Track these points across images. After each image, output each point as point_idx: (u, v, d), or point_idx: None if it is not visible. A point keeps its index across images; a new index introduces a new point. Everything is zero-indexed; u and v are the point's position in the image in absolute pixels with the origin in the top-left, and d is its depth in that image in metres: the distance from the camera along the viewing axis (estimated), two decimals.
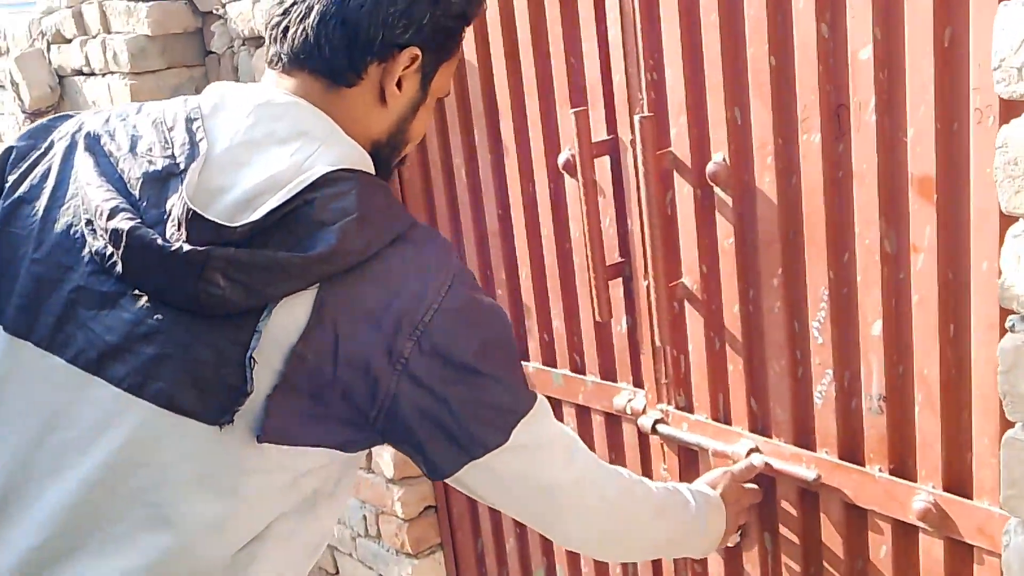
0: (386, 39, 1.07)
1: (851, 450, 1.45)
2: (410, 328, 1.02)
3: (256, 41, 2.15)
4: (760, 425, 1.57)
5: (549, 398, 1.93)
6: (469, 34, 1.82)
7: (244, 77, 2.22)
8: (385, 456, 2.24)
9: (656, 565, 1.83)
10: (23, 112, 2.57)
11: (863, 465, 1.42)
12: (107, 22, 2.31)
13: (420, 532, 2.30)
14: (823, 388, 1.44)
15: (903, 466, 1.39)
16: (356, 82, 1.09)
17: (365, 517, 2.40)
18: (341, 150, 1.06)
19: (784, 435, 1.52)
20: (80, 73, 2.46)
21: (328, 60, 1.07)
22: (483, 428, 1.10)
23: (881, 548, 1.44)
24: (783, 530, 1.58)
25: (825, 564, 1.53)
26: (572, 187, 1.73)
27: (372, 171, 1.10)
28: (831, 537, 1.50)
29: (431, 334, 1.03)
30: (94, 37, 2.36)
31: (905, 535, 1.40)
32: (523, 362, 1.95)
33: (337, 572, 2.61)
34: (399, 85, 1.11)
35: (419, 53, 1.10)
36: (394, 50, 1.08)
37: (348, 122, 1.09)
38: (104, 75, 2.36)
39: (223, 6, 2.19)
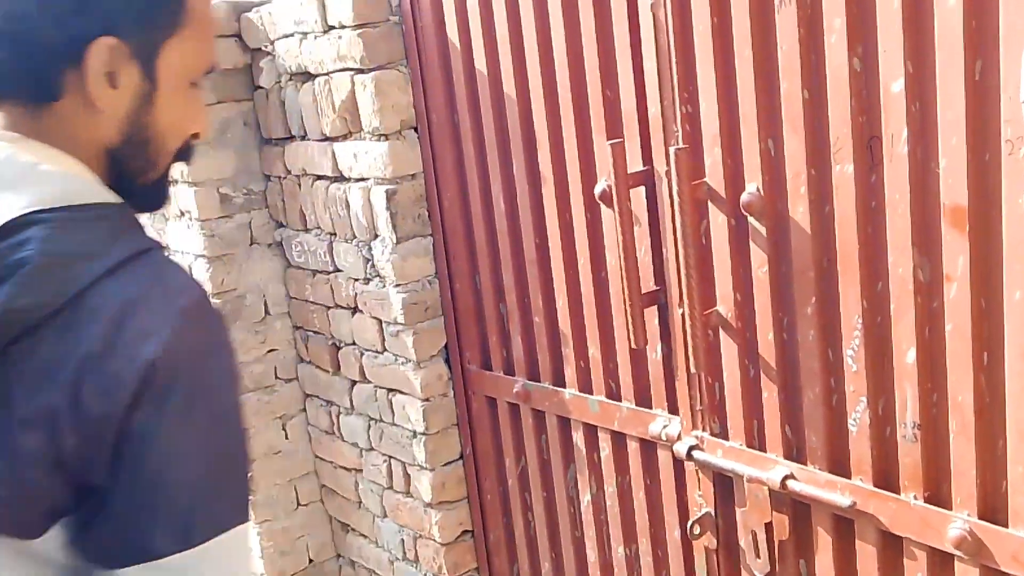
0: (68, 39, 0.91)
1: (886, 477, 1.46)
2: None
3: (303, 76, 2.23)
4: (795, 452, 1.58)
5: (586, 425, 1.96)
6: (507, 66, 1.89)
7: (291, 111, 2.30)
8: (423, 480, 2.28)
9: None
10: None
11: (898, 492, 1.43)
12: None
13: (457, 556, 2.33)
14: (857, 415, 1.46)
15: (938, 494, 1.39)
16: (60, 95, 0.93)
17: (403, 541, 2.43)
18: (40, 189, 0.90)
19: (819, 462, 1.53)
20: None
21: (14, 82, 0.93)
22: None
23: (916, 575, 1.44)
24: (818, 557, 1.58)
25: None
26: (608, 217, 1.77)
27: (102, 195, 0.95)
28: (866, 564, 1.50)
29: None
30: None
31: (940, 563, 1.41)
32: (560, 388, 1.98)
33: None
34: (112, 82, 0.93)
35: (116, 41, 0.92)
36: (82, 47, 0.91)
37: (66, 139, 0.95)
38: None
39: (271, 43, 2.27)
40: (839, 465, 1.52)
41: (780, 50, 1.42)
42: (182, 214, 2.49)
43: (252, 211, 2.49)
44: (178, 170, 2.40)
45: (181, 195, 2.46)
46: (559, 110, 1.83)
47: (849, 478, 1.49)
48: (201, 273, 2.48)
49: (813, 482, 1.53)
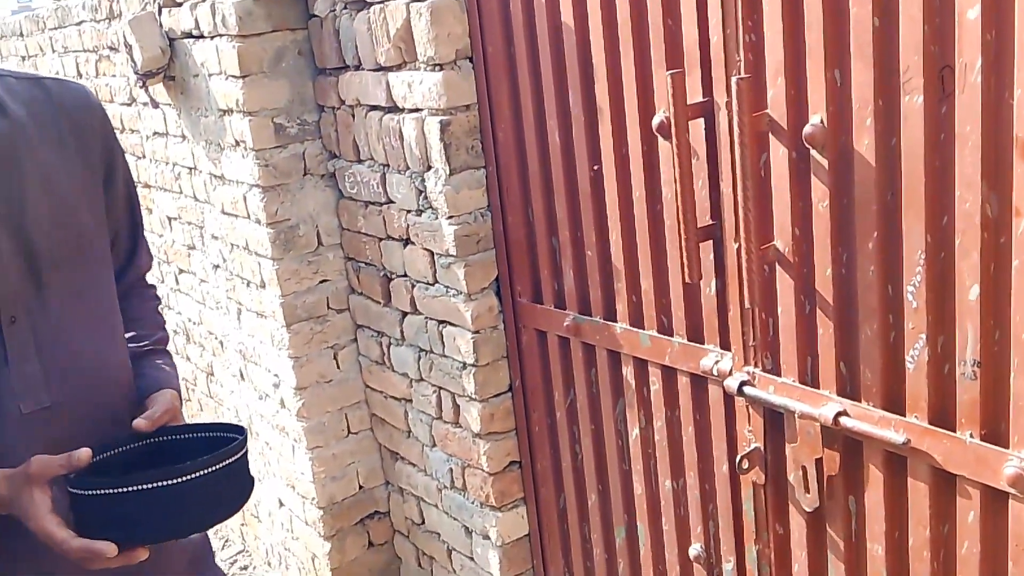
0: None
1: (942, 415, 1.44)
2: None
3: (358, 4, 2.21)
4: (848, 388, 1.57)
5: (636, 359, 1.97)
6: None
7: (345, 40, 2.29)
8: (472, 411, 2.31)
9: (737, 522, 1.85)
10: (135, 73, 2.69)
11: (954, 430, 1.42)
12: None
13: (504, 486, 2.37)
14: (915, 353, 1.44)
15: (995, 432, 1.38)
16: None
17: (451, 470, 2.47)
18: None
19: (873, 399, 1.52)
20: (189, 36, 2.57)
21: None
22: None
23: (969, 514, 1.43)
24: (868, 494, 1.58)
25: (910, 529, 1.53)
26: (665, 149, 1.75)
27: None
28: (918, 502, 1.50)
29: None
30: (203, 1, 2.45)
31: (994, 501, 1.40)
32: (611, 322, 1.99)
33: (423, 522, 2.70)
34: None
35: None
36: None
37: None
38: (212, 38, 2.46)
39: None
40: (894, 402, 1.51)
41: None
42: (237, 144, 2.51)
43: (306, 142, 2.50)
44: (233, 99, 2.41)
45: (236, 125, 2.48)
46: (618, 40, 1.80)
47: (904, 415, 1.48)
48: (255, 202, 2.50)
49: (866, 419, 1.53)
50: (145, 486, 1.11)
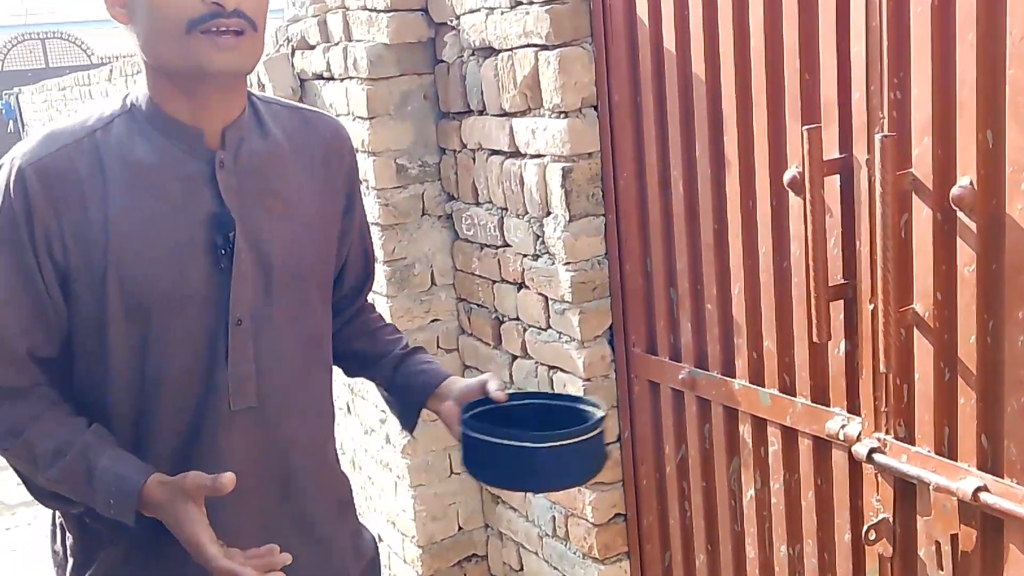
0: None
1: None
2: None
3: (486, 51, 2.25)
4: (990, 463, 1.49)
5: (755, 418, 1.91)
6: (698, 45, 1.85)
7: (471, 85, 2.32)
8: None
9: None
10: None
11: None
12: (349, 30, 2.48)
13: (608, 538, 2.32)
14: None
15: None
16: None
17: (554, 518, 2.44)
18: None
19: (1017, 476, 1.44)
20: (320, 77, 2.65)
21: None
22: None
23: None
24: (1008, 574, 1.49)
25: None
26: (796, 205, 1.71)
27: None
28: None
29: None
30: (336, 44, 2.53)
31: None
32: (729, 378, 1.94)
33: (522, 568, 2.67)
34: None
35: None
36: None
37: None
38: (343, 80, 2.53)
39: (457, 18, 2.30)
40: None
41: (1009, 34, 1.33)
42: (360, 182, 2.57)
43: (426, 183, 2.54)
44: (359, 139, 2.48)
45: (360, 164, 2.53)
46: (751, 92, 1.77)
47: None
48: (375, 240, 2.55)
49: (1009, 496, 1.44)
50: (526, 444, 1.26)
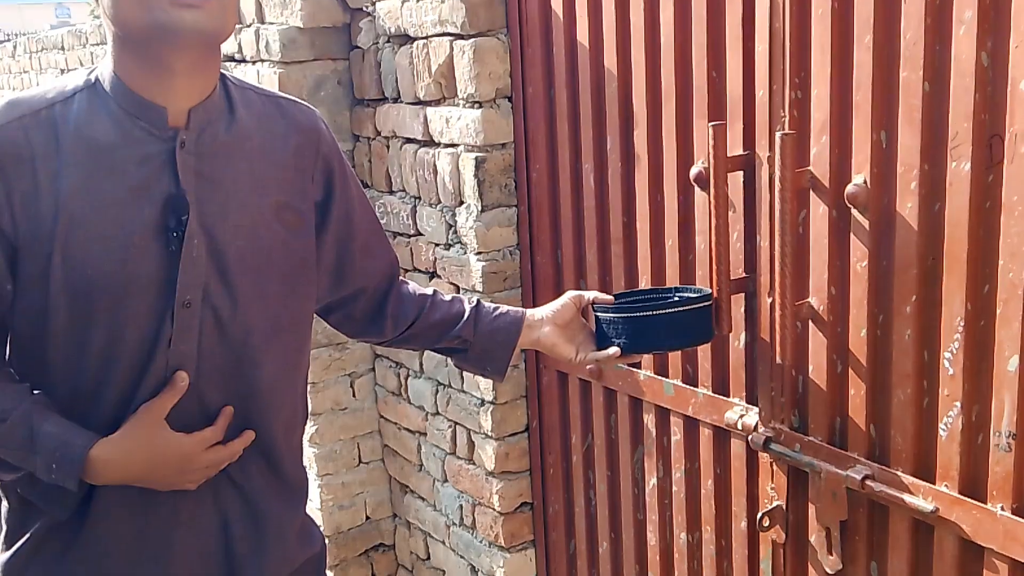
0: None
1: (973, 486, 1.42)
2: None
3: (401, 38, 2.23)
4: (878, 452, 1.55)
5: (659, 408, 1.95)
6: (610, 40, 1.87)
7: (386, 72, 2.31)
8: (487, 449, 2.29)
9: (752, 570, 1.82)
10: None
11: (985, 502, 1.40)
12: (262, 12, 2.43)
13: (514, 527, 2.34)
14: (949, 420, 1.42)
15: None
16: None
17: (461, 507, 2.45)
18: None
19: (903, 465, 1.50)
20: (232, 59, 2.59)
21: None
22: None
23: None
24: (892, 560, 1.56)
25: None
26: (701, 200, 1.75)
27: None
28: (943, 571, 1.47)
29: None
30: (248, 26, 2.48)
31: None
32: (635, 369, 1.97)
33: (429, 557, 2.67)
34: None
35: None
36: None
37: None
38: (254, 63, 2.48)
39: (372, 3, 2.28)
40: (924, 469, 1.48)
41: (903, 38, 1.38)
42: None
43: None
44: None
45: None
46: (661, 89, 1.81)
47: (934, 483, 1.46)
48: None
49: (895, 484, 1.51)
50: (654, 312, 1.56)
